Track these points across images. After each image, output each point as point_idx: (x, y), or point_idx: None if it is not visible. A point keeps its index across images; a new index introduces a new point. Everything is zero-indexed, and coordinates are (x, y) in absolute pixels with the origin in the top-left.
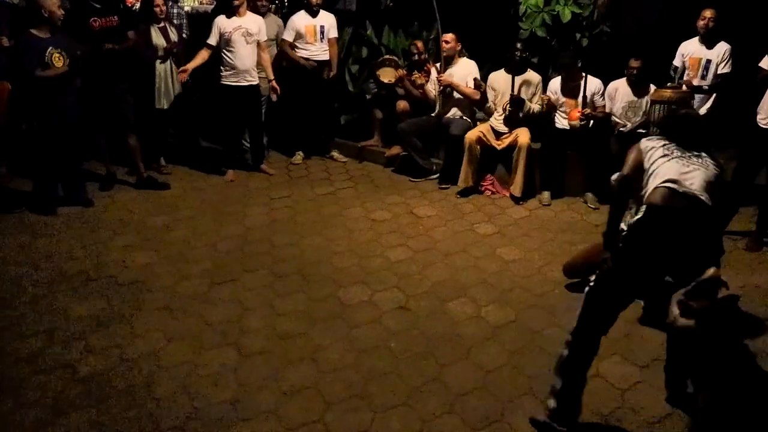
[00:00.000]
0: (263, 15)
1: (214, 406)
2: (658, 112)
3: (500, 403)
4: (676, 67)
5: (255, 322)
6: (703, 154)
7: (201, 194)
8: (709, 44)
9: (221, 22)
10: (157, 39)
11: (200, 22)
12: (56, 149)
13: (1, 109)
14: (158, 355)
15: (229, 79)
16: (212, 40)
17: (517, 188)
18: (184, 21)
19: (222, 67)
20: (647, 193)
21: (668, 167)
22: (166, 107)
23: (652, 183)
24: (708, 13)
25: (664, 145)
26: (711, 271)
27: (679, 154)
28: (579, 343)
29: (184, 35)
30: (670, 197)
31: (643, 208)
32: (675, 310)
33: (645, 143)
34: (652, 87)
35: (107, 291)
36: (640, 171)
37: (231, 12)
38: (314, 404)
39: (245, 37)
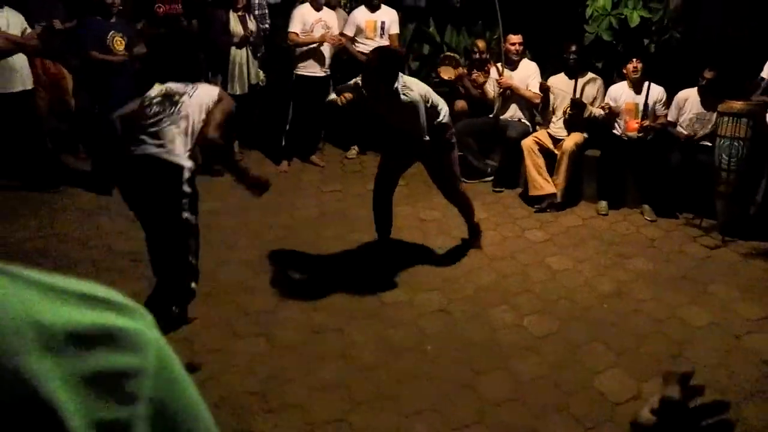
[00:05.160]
0: (333, 9)
1: (240, 396)
2: (727, 125)
3: (533, 417)
4: (763, 79)
5: (291, 314)
6: None
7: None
8: None
9: (304, 12)
10: (235, 26)
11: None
12: (113, 131)
13: (67, 95)
14: (192, 340)
15: (306, 70)
16: (297, 28)
17: (558, 194)
18: (266, 11)
19: (298, 58)
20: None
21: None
22: (238, 93)
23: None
24: None
25: None
26: (685, 367)
27: None
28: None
29: (266, 25)
30: None
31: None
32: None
33: None
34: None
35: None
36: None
37: (312, 4)
38: (341, 402)
39: (324, 30)
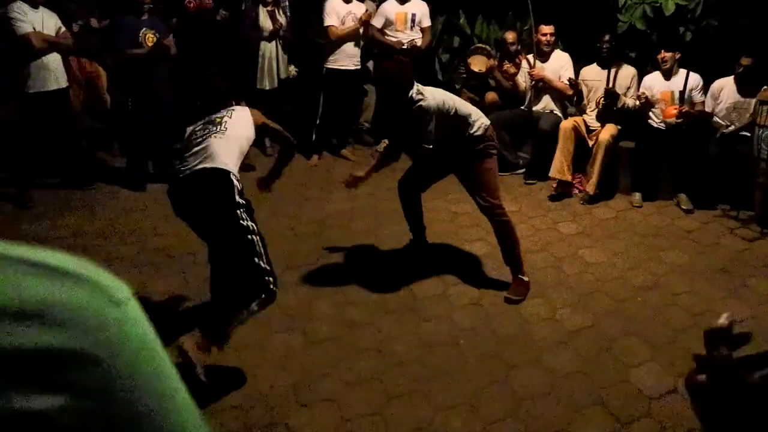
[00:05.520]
0: (362, 1)
1: (275, 389)
2: (766, 114)
3: (568, 412)
4: None
5: (325, 308)
6: None
7: (283, 178)
8: None
9: (335, 5)
10: (264, 21)
11: (294, 10)
12: (149, 127)
13: (103, 93)
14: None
15: (336, 63)
16: (334, 21)
17: (592, 185)
18: (287, 3)
19: (329, 52)
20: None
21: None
22: (267, 88)
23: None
24: None
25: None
26: (722, 318)
27: None
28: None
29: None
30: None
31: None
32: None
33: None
34: (765, 88)
35: (185, 268)
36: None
37: None
38: (375, 396)
39: (354, 22)
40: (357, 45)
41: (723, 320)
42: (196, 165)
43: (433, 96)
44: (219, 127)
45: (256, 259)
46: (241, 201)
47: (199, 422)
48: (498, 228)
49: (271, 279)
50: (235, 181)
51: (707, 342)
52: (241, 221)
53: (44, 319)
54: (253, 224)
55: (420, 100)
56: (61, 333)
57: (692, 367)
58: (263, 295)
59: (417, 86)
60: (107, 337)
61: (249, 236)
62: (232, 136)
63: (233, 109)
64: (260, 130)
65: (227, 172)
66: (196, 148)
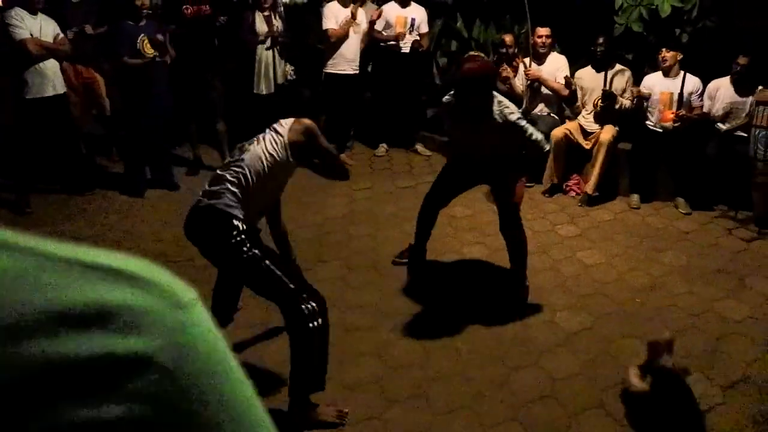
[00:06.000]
0: (362, 4)
1: (275, 396)
2: (762, 114)
3: (568, 414)
4: None
5: None
6: None
7: None
8: None
9: (335, 9)
10: (261, 26)
11: (293, 15)
12: (148, 133)
13: (100, 98)
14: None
15: (336, 68)
16: (332, 24)
17: (590, 186)
18: (281, 9)
19: (328, 56)
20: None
21: None
22: (264, 93)
23: None
24: None
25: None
26: (666, 334)
27: None
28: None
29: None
30: None
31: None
32: (632, 378)
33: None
34: (760, 89)
35: (184, 273)
36: None
37: (340, 1)
38: (375, 401)
39: (353, 27)
40: (356, 50)
41: (668, 335)
42: (207, 199)
43: (513, 106)
44: (240, 154)
45: (279, 284)
46: (241, 237)
47: None
48: (512, 238)
49: (303, 295)
50: (237, 222)
51: (650, 352)
52: (245, 255)
53: (107, 324)
54: (258, 250)
55: (511, 113)
56: (125, 339)
57: (624, 379)
58: (309, 323)
59: (497, 95)
60: (173, 342)
61: (260, 264)
62: (245, 167)
63: (273, 128)
64: (302, 147)
65: (229, 216)
66: (215, 178)
